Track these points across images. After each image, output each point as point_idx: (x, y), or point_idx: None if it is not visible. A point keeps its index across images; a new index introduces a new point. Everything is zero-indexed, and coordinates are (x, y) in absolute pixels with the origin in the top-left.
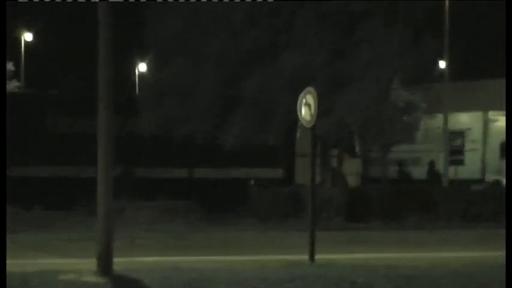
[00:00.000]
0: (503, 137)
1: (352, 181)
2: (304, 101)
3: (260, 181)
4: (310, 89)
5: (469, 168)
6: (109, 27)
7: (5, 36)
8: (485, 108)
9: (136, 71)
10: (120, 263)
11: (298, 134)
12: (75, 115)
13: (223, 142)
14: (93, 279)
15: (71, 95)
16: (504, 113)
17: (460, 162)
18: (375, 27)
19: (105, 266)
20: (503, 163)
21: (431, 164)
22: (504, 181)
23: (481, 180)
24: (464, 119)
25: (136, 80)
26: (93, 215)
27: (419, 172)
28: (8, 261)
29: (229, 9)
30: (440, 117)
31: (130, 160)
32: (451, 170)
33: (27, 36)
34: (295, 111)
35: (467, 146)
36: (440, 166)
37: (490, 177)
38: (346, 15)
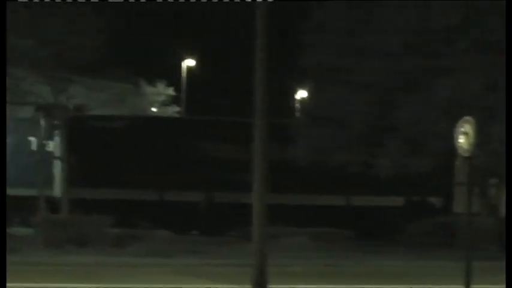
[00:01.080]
0: None
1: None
2: (462, 129)
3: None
4: (468, 118)
5: None
6: (266, 53)
7: (5, 35)
8: None
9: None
10: None
11: (457, 163)
12: (233, 141)
13: (378, 170)
14: None
15: (229, 120)
16: None
17: None
18: None
19: None
20: None
21: None
22: None
23: None
24: None
25: (296, 106)
26: (247, 241)
27: None
28: (161, 286)
29: (384, 35)
30: None
31: (286, 187)
32: None
33: (189, 62)
34: (452, 138)
35: None
36: None
37: None
38: None
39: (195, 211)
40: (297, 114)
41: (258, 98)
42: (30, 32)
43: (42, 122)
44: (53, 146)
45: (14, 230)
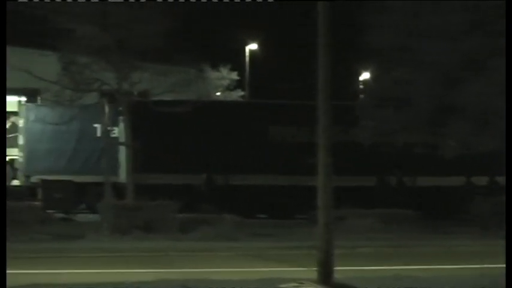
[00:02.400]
0: None
1: None
2: None
3: (479, 189)
4: None
5: None
6: (328, 33)
7: (5, 35)
8: None
9: (361, 78)
10: (341, 271)
11: None
12: (298, 124)
13: (443, 150)
14: (313, 287)
15: (293, 104)
16: None
17: None
18: None
19: (325, 274)
20: None
21: None
22: None
23: None
24: None
25: (359, 88)
26: (314, 224)
27: None
28: (228, 270)
29: (449, 15)
30: None
31: (351, 169)
32: None
33: (251, 46)
34: None
35: None
36: None
37: None
38: None
39: (261, 195)
40: (361, 96)
41: (321, 80)
42: (95, 18)
43: (107, 108)
44: (118, 132)
45: (80, 217)
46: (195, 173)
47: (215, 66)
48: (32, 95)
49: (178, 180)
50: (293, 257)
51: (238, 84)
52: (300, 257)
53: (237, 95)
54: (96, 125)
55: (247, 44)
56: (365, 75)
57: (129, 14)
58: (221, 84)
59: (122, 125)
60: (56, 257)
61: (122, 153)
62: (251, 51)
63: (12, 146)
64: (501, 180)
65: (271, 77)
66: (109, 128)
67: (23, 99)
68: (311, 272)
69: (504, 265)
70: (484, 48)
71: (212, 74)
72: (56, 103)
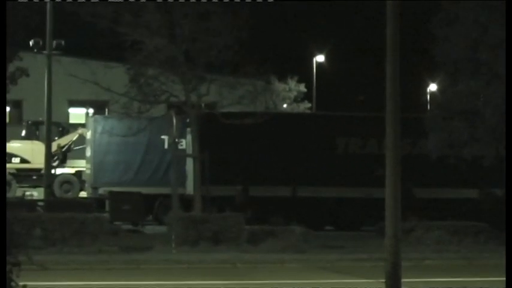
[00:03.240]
0: None
1: None
2: None
3: None
4: None
5: None
6: (396, 45)
7: (5, 36)
8: None
9: (428, 90)
10: (409, 283)
11: None
12: (365, 136)
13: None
14: None
15: (360, 115)
16: None
17: None
18: None
19: (393, 286)
20: None
21: None
22: None
23: None
24: None
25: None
26: (381, 236)
27: None
28: (296, 281)
29: None
30: None
31: (418, 181)
32: None
33: (319, 58)
34: None
35: None
36: None
37: None
38: None
39: (329, 206)
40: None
41: (389, 92)
42: (163, 30)
43: (175, 120)
44: (186, 143)
45: (148, 228)
46: (262, 185)
47: (282, 78)
48: (99, 107)
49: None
50: (361, 269)
51: (305, 96)
52: (367, 269)
53: (304, 106)
54: (163, 137)
55: (314, 55)
56: (433, 87)
57: (197, 25)
58: (288, 96)
59: (189, 136)
60: (125, 269)
61: (190, 165)
62: (318, 63)
63: (79, 158)
64: None
65: (339, 88)
66: (177, 140)
67: (91, 111)
68: (379, 284)
69: None
70: None
71: (279, 86)
72: (124, 115)
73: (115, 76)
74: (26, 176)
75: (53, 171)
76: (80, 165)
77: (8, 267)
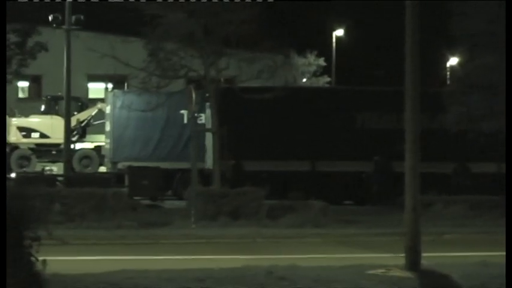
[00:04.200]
0: None
1: None
2: None
3: None
4: None
5: None
6: (416, 19)
7: (5, 35)
8: None
9: (448, 64)
10: (428, 257)
11: None
12: (385, 110)
13: None
14: (400, 274)
15: (380, 90)
16: None
17: None
18: None
19: (412, 260)
20: None
21: None
22: None
23: None
24: None
25: (447, 74)
26: (400, 210)
27: None
28: (315, 256)
29: None
30: None
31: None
32: None
33: (338, 32)
34: None
35: None
36: None
37: None
38: None
39: (348, 181)
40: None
41: (408, 66)
42: (182, 5)
43: (194, 95)
44: (205, 118)
45: (167, 203)
46: (281, 160)
47: (302, 53)
48: (119, 81)
49: (264, 166)
50: (380, 243)
51: (324, 70)
52: (387, 243)
53: (324, 81)
54: (182, 112)
55: (334, 29)
56: (452, 61)
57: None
58: (308, 70)
59: (208, 111)
60: (144, 244)
61: (209, 139)
62: (338, 37)
63: (98, 133)
64: None
65: (358, 63)
66: (196, 115)
67: (110, 86)
68: (398, 258)
69: None
70: None
71: (299, 60)
72: (143, 90)
73: (134, 51)
74: (46, 151)
75: (72, 146)
76: (99, 140)
77: (28, 242)
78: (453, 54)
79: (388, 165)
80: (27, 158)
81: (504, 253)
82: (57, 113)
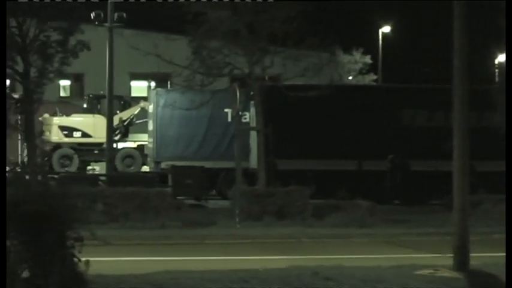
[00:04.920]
0: None
1: None
2: None
3: None
4: None
5: None
6: (464, 18)
7: (5, 35)
8: None
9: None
10: (477, 257)
11: None
12: (432, 109)
13: None
14: (448, 274)
15: (427, 87)
16: None
17: None
18: None
19: (461, 261)
20: None
21: None
22: None
23: None
24: None
25: (496, 72)
26: (449, 210)
27: None
28: (362, 256)
29: None
30: None
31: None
32: None
33: (385, 29)
34: None
35: None
36: None
37: None
38: None
39: (395, 180)
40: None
41: (456, 64)
42: (226, 2)
43: (238, 93)
44: (249, 117)
45: (211, 203)
46: (327, 159)
47: (347, 50)
48: (162, 80)
49: (310, 166)
50: (428, 243)
51: (371, 68)
52: (435, 244)
53: (370, 79)
54: (226, 110)
55: (380, 26)
56: (501, 58)
57: None
58: (354, 68)
59: (253, 110)
60: (188, 244)
61: (253, 138)
62: (384, 34)
63: (141, 132)
64: None
65: (405, 60)
66: (240, 113)
67: (153, 84)
68: (446, 258)
69: None
70: None
71: (344, 58)
72: (187, 88)
73: (177, 49)
74: (88, 150)
75: (114, 145)
76: (142, 139)
77: (71, 242)
78: (502, 51)
79: (404, 164)
80: (69, 158)
81: None
82: (99, 112)
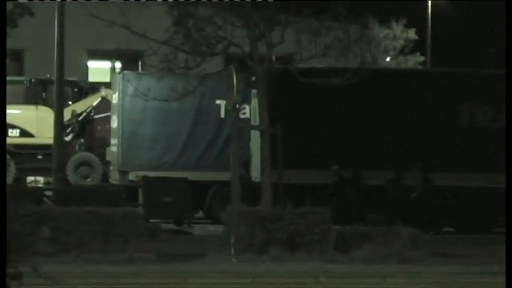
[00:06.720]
0: None
1: None
2: None
3: None
4: None
5: None
6: None
7: (5, 35)
8: None
9: None
10: None
11: None
12: (500, 103)
13: None
14: None
15: (491, 73)
16: None
17: None
18: None
19: None
20: None
21: None
22: None
23: None
24: None
25: None
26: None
27: None
28: None
29: None
30: None
31: None
32: None
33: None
34: None
35: None
36: None
37: None
38: None
39: (447, 200)
40: None
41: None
42: None
43: (235, 79)
44: (250, 111)
45: (197, 229)
46: (357, 167)
47: (385, 22)
48: (131, 59)
49: (329, 178)
50: (490, 286)
51: (416, 47)
52: (500, 286)
53: (415, 60)
54: (219, 102)
55: None
56: None
57: None
58: (393, 45)
59: (254, 102)
60: (165, 284)
61: (255, 140)
62: (435, 3)
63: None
64: None
65: (461, 37)
66: (238, 107)
67: (118, 65)
68: None
69: None
70: None
71: (380, 32)
72: (165, 71)
73: (153, 18)
74: (29, 154)
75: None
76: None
77: (5, 280)
78: None
79: (400, 178)
80: None
81: None
82: (44, 103)
